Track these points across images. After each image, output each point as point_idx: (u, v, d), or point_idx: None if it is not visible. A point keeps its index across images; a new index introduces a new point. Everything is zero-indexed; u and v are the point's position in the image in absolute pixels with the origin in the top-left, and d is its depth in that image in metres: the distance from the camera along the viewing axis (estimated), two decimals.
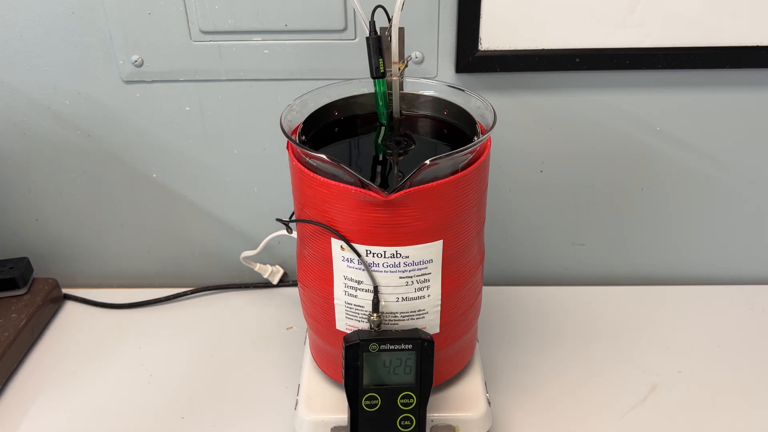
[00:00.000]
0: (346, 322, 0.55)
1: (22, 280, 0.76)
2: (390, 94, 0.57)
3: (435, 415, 0.57)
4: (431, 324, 0.55)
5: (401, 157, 0.54)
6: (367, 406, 0.53)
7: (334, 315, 0.55)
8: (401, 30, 0.54)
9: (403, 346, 0.52)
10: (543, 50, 0.69)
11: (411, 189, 0.48)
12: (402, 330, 0.54)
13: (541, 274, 0.85)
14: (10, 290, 0.76)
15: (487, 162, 0.54)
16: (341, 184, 0.49)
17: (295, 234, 0.59)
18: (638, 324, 0.76)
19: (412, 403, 0.53)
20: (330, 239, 0.52)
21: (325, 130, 0.59)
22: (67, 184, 0.79)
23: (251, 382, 0.69)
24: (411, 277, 0.52)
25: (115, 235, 0.82)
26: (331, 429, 0.57)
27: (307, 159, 0.52)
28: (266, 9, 0.68)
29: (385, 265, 0.51)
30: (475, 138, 0.54)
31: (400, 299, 0.53)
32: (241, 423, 0.64)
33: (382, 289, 0.52)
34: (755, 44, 0.69)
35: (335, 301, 0.55)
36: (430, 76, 0.71)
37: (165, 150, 0.76)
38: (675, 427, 0.64)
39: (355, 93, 0.60)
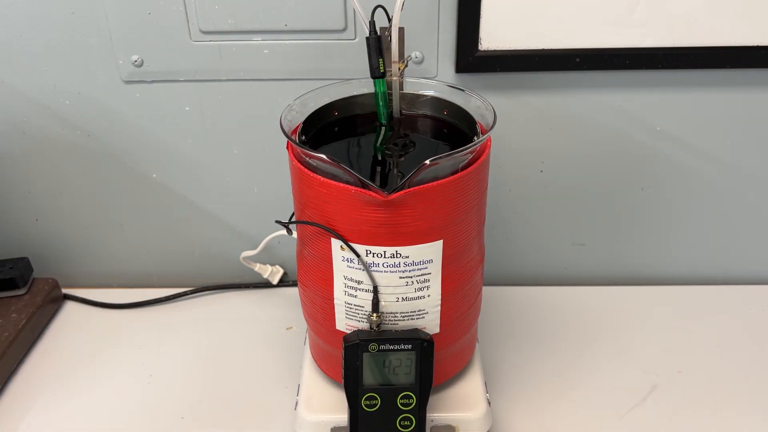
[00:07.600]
0: (346, 322, 0.55)
1: (22, 280, 0.76)
2: (390, 94, 0.57)
3: (435, 415, 0.57)
4: (431, 324, 0.55)
5: (401, 158, 0.54)
6: (366, 406, 0.53)
7: (334, 315, 0.55)
8: (401, 30, 0.54)
9: (402, 346, 0.52)
10: (543, 50, 0.69)
11: (411, 189, 0.48)
12: (402, 330, 0.54)
13: (541, 274, 0.85)
14: (10, 290, 0.76)
15: (487, 162, 0.54)
16: (341, 184, 0.49)
17: (295, 234, 0.59)
18: (638, 324, 0.76)
19: (412, 403, 0.53)
20: (330, 239, 0.52)
21: (325, 130, 0.59)
22: (67, 184, 0.79)
23: (251, 382, 0.69)
24: (411, 277, 0.52)
25: (115, 235, 0.82)
26: (331, 429, 0.57)
27: (307, 159, 0.52)
28: (266, 9, 0.68)
29: (384, 265, 0.51)
30: (475, 138, 0.54)
31: (400, 299, 0.53)
32: (241, 423, 0.64)
33: (382, 289, 0.52)
34: (755, 44, 0.69)
35: (335, 301, 0.55)
36: (430, 76, 0.71)
37: (165, 150, 0.76)
38: (675, 427, 0.64)
39: (355, 93, 0.60)
